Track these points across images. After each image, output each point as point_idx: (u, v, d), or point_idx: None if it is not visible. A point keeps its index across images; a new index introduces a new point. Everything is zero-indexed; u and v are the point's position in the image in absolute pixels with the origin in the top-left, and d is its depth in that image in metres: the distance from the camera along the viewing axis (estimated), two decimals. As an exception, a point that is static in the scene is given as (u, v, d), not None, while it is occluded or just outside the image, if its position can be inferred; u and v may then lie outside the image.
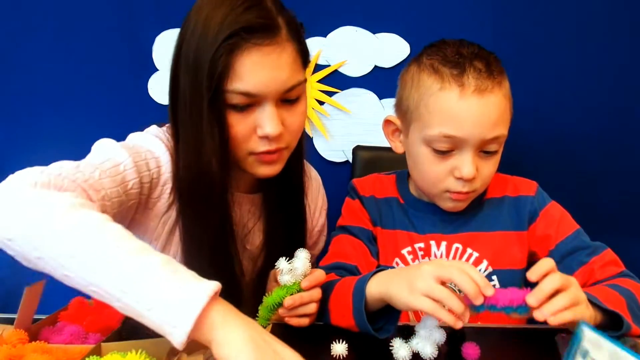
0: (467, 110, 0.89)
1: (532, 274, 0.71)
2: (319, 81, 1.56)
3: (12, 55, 1.61)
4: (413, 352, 0.76)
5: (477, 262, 1.00)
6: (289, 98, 0.86)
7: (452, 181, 0.93)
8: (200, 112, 0.83)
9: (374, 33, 1.54)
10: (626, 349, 0.64)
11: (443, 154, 0.92)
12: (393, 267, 1.01)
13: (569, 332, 0.75)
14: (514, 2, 1.50)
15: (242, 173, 0.93)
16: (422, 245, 1.02)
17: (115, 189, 0.82)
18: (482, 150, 0.92)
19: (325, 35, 1.55)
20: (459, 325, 0.70)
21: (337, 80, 1.56)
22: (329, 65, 1.56)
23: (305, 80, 0.90)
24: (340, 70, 1.56)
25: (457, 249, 1.01)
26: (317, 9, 1.54)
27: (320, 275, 0.84)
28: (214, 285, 0.62)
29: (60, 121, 1.62)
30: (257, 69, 0.81)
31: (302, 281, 0.83)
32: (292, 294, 0.83)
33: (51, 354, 0.68)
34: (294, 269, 0.83)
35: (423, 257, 1.02)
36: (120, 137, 1.20)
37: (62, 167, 0.77)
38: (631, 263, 0.95)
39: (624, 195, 1.54)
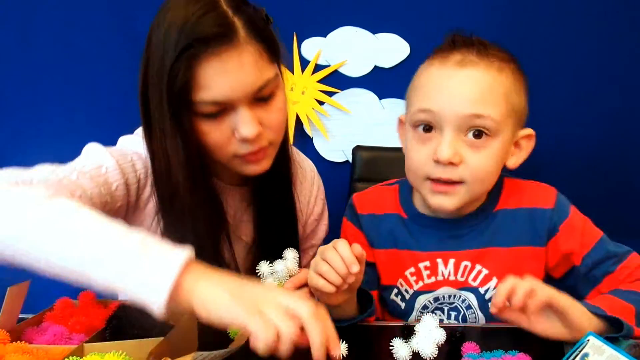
0: (442, 80, 0.85)
1: (493, 308, 0.76)
2: (319, 81, 1.55)
3: (12, 55, 1.61)
4: (413, 352, 0.75)
5: (485, 280, 0.93)
6: (262, 97, 0.84)
7: (433, 166, 0.85)
8: (164, 126, 0.82)
9: (374, 33, 1.54)
10: (627, 355, 0.64)
11: (424, 133, 0.86)
12: (397, 288, 0.98)
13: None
14: (514, 2, 1.49)
15: (223, 165, 0.92)
16: (427, 264, 0.95)
17: (97, 190, 0.81)
18: (468, 134, 0.84)
19: (325, 35, 1.55)
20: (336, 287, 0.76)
21: (337, 80, 1.56)
22: (329, 65, 1.55)
23: (277, 74, 0.87)
24: (340, 70, 1.55)
25: (465, 266, 0.94)
26: (317, 9, 1.55)
27: (304, 277, 0.82)
28: (186, 254, 0.61)
29: (60, 121, 1.62)
30: (219, 77, 0.79)
31: (286, 283, 0.83)
32: None
33: (32, 355, 0.66)
34: (276, 272, 0.83)
35: (429, 276, 0.95)
36: (118, 137, 1.19)
37: (36, 170, 0.77)
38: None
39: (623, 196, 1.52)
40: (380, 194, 1.02)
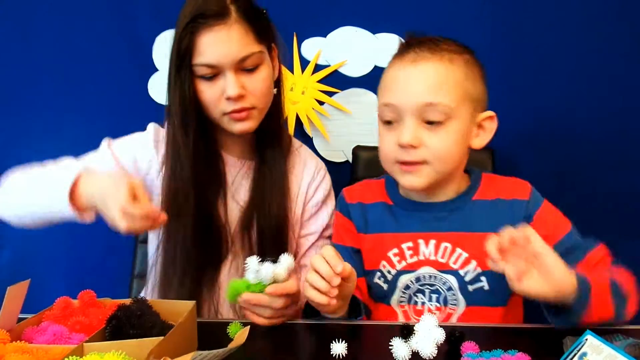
0: (400, 76, 0.98)
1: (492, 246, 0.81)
2: (319, 81, 1.55)
3: (12, 56, 1.61)
4: (413, 351, 0.76)
5: (465, 263, 1.00)
6: (246, 67, 1.05)
7: (398, 150, 0.97)
8: (170, 81, 1.07)
9: (373, 33, 1.53)
10: (625, 354, 0.64)
11: (389, 124, 0.99)
12: (380, 271, 1.05)
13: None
14: (514, 2, 1.48)
15: (233, 140, 1.16)
16: (410, 244, 1.03)
17: None
18: (426, 120, 0.95)
19: (325, 35, 1.55)
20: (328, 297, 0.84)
21: (337, 80, 1.55)
22: (329, 65, 1.55)
23: (262, 52, 1.08)
24: (340, 70, 1.55)
25: (445, 248, 1.01)
26: (317, 9, 1.54)
27: (289, 287, 0.90)
28: (79, 170, 0.96)
29: (61, 121, 1.62)
30: (211, 46, 1.02)
31: (268, 286, 0.88)
32: (253, 292, 0.89)
33: (32, 354, 0.66)
34: (259, 271, 0.87)
35: (412, 256, 1.03)
36: (119, 136, 1.20)
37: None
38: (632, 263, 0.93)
39: (623, 196, 1.50)
40: (367, 185, 1.13)
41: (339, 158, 1.56)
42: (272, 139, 1.15)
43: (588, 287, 0.81)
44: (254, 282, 0.88)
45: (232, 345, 0.73)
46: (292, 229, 1.16)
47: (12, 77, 1.62)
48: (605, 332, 0.75)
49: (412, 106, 0.95)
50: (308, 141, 1.57)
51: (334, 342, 0.78)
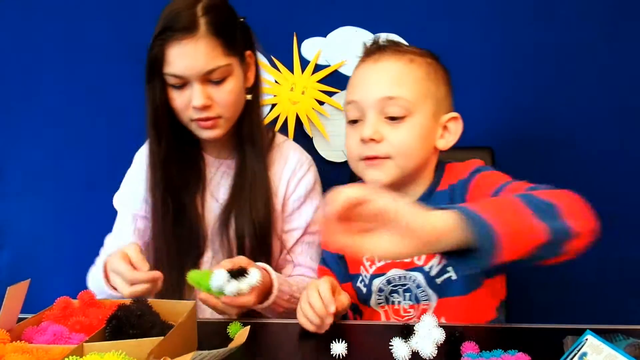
0: (362, 74, 1.02)
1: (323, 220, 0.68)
2: (319, 81, 1.55)
3: (13, 57, 1.61)
4: (413, 351, 0.76)
5: (429, 257, 1.00)
6: (212, 79, 1.09)
7: (362, 147, 0.99)
8: (145, 87, 1.13)
9: (374, 33, 1.52)
10: (625, 355, 0.64)
11: (354, 123, 1.01)
12: (360, 275, 1.06)
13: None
14: (514, 3, 1.48)
15: (212, 144, 1.21)
16: None
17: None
18: (387, 116, 0.97)
19: (325, 35, 1.54)
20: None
21: (337, 80, 1.54)
22: (329, 65, 1.55)
23: (230, 65, 1.11)
24: (340, 70, 1.55)
25: None
26: (317, 9, 1.54)
27: (244, 301, 0.91)
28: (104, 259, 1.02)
29: (61, 122, 1.62)
30: (179, 57, 1.07)
31: (224, 297, 0.89)
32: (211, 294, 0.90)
33: (32, 354, 0.66)
34: (223, 287, 0.87)
35: (379, 259, 1.03)
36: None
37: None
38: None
39: (623, 196, 1.50)
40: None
41: (339, 158, 1.56)
42: (249, 140, 1.18)
43: (478, 216, 0.68)
44: (213, 289, 0.89)
45: (232, 345, 0.73)
46: (274, 226, 1.18)
47: (12, 78, 1.62)
48: (606, 332, 0.75)
49: (373, 101, 0.97)
50: (308, 141, 1.57)
51: (334, 342, 0.78)
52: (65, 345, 0.70)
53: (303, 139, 1.57)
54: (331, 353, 0.77)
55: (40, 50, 1.61)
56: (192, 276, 0.89)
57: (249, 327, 0.79)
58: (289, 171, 1.23)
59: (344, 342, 0.78)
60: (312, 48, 1.55)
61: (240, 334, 0.76)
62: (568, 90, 1.49)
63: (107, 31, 1.59)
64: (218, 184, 1.22)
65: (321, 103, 1.55)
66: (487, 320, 1.02)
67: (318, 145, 1.57)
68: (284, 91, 1.56)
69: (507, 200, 0.76)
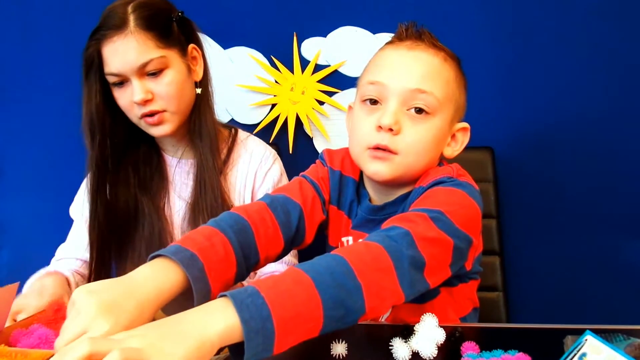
0: (394, 58, 0.95)
1: None
2: (319, 81, 1.55)
3: (12, 56, 1.62)
4: (413, 351, 0.76)
5: None
6: (149, 72, 1.12)
7: (375, 134, 0.92)
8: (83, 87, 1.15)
9: (374, 33, 1.53)
10: (625, 355, 0.64)
11: (371, 106, 0.94)
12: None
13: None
14: (515, 3, 1.48)
15: (167, 141, 1.23)
16: (350, 239, 1.02)
17: None
18: (410, 107, 0.91)
19: (325, 35, 1.55)
20: None
21: (337, 80, 1.55)
22: (329, 65, 1.55)
23: (164, 57, 1.12)
24: (340, 70, 1.55)
25: None
26: (317, 9, 1.55)
27: None
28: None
29: (61, 122, 1.62)
30: (112, 55, 1.10)
31: None
32: None
33: (10, 358, 0.66)
34: None
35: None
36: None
37: None
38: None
39: (624, 196, 1.50)
40: (348, 156, 1.04)
41: (339, 158, 1.56)
42: (199, 135, 1.20)
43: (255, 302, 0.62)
44: None
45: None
46: None
47: (12, 77, 1.63)
48: (606, 332, 0.75)
49: (402, 89, 0.91)
50: (308, 141, 1.57)
51: (334, 342, 0.78)
52: (44, 350, 0.69)
53: (303, 139, 1.57)
54: (331, 353, 0.77)
55: (40, 50, 1.62)
56: None
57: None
58: (255, 164, 1.26)
59: (344, 342, 0.77)
60: (312, 48, 1.55)
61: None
62: (568, 90, 1.49)
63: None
64: (184, 184, 1.24)
65: (321, 103, 1.55)
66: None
67: (318, 145, 1.57)
68: (284, 91, 1.56)
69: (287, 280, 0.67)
